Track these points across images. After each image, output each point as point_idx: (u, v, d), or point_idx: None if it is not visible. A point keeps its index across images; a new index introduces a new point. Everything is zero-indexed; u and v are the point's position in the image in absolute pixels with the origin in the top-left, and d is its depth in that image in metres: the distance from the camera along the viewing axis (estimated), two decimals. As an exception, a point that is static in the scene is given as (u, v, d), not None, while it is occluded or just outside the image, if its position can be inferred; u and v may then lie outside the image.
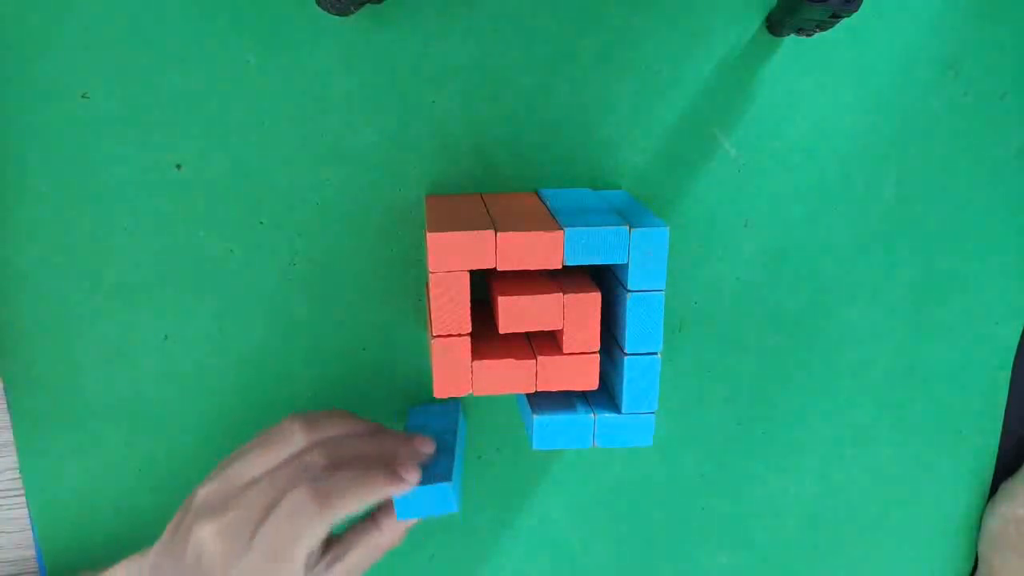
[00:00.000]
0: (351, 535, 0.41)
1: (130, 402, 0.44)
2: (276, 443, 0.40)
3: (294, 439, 0.40)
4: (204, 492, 0.39)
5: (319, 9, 0.39)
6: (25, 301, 0.42)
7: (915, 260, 0.46)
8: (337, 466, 0.39)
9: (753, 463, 0.49)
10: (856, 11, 0.36)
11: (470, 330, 0.34)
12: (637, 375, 0.36)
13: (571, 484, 0.48)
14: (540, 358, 0.35)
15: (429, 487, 0.38)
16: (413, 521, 0.40)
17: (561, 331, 0.35)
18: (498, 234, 0.33)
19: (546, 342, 0.37)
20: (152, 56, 0.40)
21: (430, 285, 0.33)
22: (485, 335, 0.37)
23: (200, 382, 0.44)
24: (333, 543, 0.41)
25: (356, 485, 0.38)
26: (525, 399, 0.38)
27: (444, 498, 0.38)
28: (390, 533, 0.41)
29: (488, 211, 0.37)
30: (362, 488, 0.38)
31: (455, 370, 0.35)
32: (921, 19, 0.42)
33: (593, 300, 0.34)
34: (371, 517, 0.41)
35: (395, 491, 0.38)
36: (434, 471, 0.39)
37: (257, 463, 0.39)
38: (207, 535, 0.37)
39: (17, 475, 0.45)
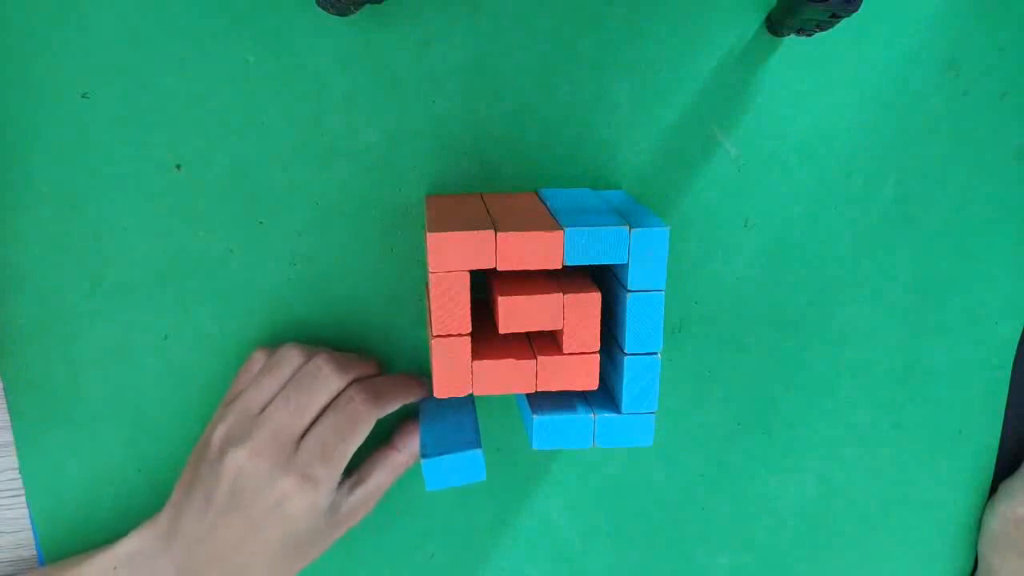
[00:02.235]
0: (370, 460, 0.43)
1: (130, 402, 0.44)
2: (280, 366, 0.41)
3: (295, 360, 0.41)
4: (222, 430, 0.40)
5: (319, 9, 0.39)
6: (25, 301, 0.42)
7: (915, 260, 0.46)
8: (347, 375, 0.41)
9: (753, 463, 0.49)
10: (856, 11, 0.36)
11: (470, 330, 0.34)
12: (637, 375, 0.36)
13: (571, 484, 0.48)
14: (540, 358, 0.35)
15: (460, 454, 0.38)
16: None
17: (561, 331, 0.35)
18: (498, 234, 0.33)
19: (546, 342, 0.37)
20: (152, 56, 0.40)
21: (430, 285, 0.33)
22: (485, 335, 0.37)
23: (200, 382, 0.44)
24: (352, 470, 0.42)
25: (395, 386, 0.42)
26: (525, 399, 0.38)
27: (474, 465, 0.38)
28: (407, 452, 0.43)
29: (488, 211, 0.37)
30: (401, 387, 0.42)
31: (455, 370, 0.35)
32: (921, 19, 0.42)
33: (593, 300, 0.34)
34: (388, 442, 0.44)
35: (423, 394, 0.43)
36: (462, 439, 0.39)
37: (267, 389, 0.41)
38: (244, 457, 0.38)
39: (17, 475, 0.45)
